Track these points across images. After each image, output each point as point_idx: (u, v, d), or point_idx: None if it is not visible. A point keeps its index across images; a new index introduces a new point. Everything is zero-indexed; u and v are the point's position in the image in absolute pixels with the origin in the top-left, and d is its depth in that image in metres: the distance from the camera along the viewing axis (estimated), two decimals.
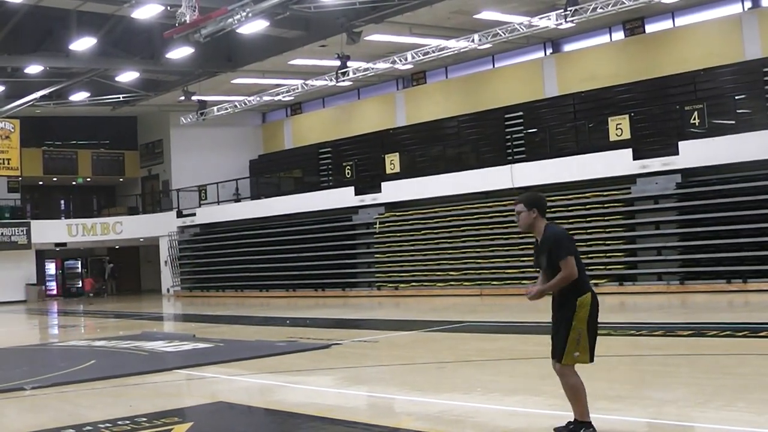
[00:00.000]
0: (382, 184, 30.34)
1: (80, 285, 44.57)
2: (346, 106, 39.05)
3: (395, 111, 36.45)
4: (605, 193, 24.56)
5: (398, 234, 29.43)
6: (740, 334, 12.75)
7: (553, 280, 6.25)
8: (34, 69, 30.26)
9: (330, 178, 37.06)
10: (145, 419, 8.03)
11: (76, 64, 30.01)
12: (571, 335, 6.19)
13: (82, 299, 39.13)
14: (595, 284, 23.10)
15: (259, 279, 33.97)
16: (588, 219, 24.60)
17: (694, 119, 23.02)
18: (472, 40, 25.95)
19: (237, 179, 38.67)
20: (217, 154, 41.06)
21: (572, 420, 6.41)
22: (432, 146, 32.52)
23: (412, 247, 28.62)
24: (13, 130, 37.87)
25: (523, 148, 29.29)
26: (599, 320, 6.38)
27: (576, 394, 6.28)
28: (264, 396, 9.76)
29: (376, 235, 30.12)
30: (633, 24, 28.68)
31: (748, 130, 22.38)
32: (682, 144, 22.89)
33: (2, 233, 38.05)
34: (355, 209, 31.27)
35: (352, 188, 31.39)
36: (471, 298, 24.49)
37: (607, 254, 24.03)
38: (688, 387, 8.73)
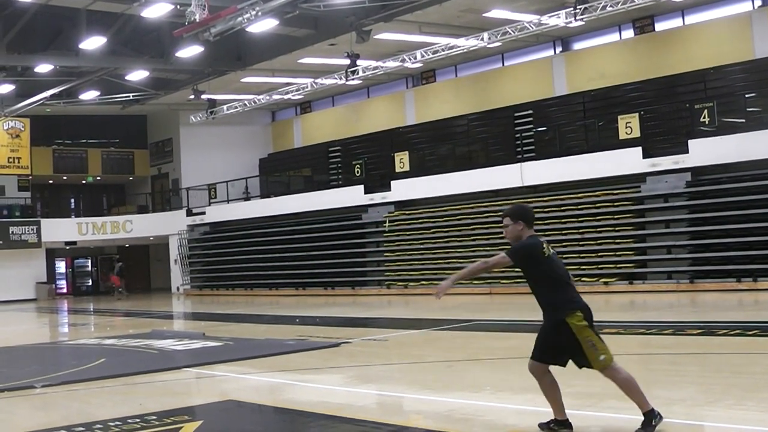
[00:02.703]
0: (392, 182, 30.35)
1: (90, 283, 44.75)
2: (355, 105, 39.06)
3: (405, 109, 36.43)
4: (615, 192, 24.51)
5: (408, 232, 29.41)
6: (750, 333, 12.71)
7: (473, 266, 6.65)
8: (44, 68, 30.33)
9: (339, 176, 37.06)
10: (154, 417, 8.04)
11: (86, 63, 30.06)
12: (584, 346, 6.33)
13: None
14: (605, 283, 23.21)
15: (268, 277, 33.99)
16: (598, 218, 24.55)
17: (704, 117, 22.93)
18: (482, 39, 25.92)
19: (246, 178, 38.71)
20: (226, 152, 41.11)
21: (554, 419, 6.51)
22: (441, 145, 32.51)
23: (422, 246, 28.60)
24: (23, 129, 38.02)
25: (532, 147, 29.25)
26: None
27: (629, 386, 6.38)
28: (273, 394, 9.77)
29: (385, 234, 30.13)
30: (643, 22, 28.61)
31: (758, 128, 22.29)
32: (692, 142, 22.83)
33: (12, 232, 38.18)
34: (364, 208, 31.28)
35: (362, 187, 31.40)
36: (480, 297, 24.47)
37: (617, 253, 23.97)
38: (698, 386, 8.71)
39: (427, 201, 29.44)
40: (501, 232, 24.39)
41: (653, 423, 6.28)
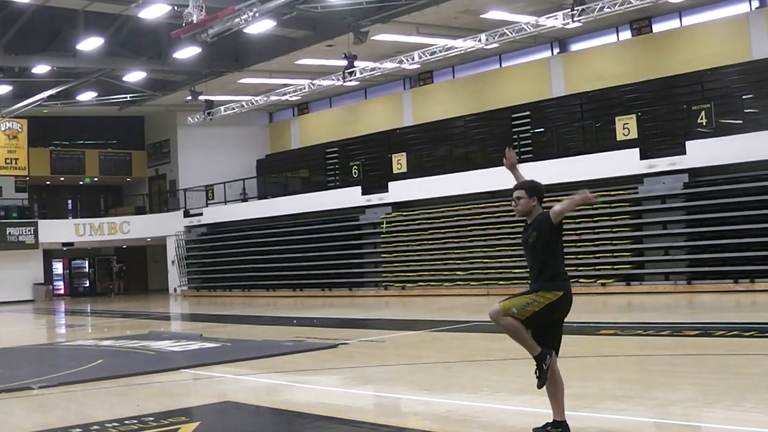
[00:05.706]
0: (389, 183, 30.34)
1: (87, 285, 44.70)
2: (352, 106, 39.06)
3: (402, 111, 36.43)
4: (612, 193, 24.49)
5: (405, 234, 29.41)
6: (748, 334, 12.71)
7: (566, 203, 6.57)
8: (41, 69, 30.31)
9: (337, 177, 37.04)
10: (152, 419, 8.04)
11: (84, 64, 30.04)
12: (526, 298, 6.36)
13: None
14: (603, 284, 23.22)
15: (266, 278, 33.98)
16: (595, 219, 24.55)
17: (702, 119, 22.95)
18: (479, 40, 25.93)
19: (244, 179, 38.71)
20: (224, 153, 41.09)
21: (551, 421, 6.48)
22: (439, 146, 32.51)
23: (419, 247, 28.60)
24: (20, 130, 37.96)
25: (530, 148, 29.25)
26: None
27: (516, 332, 6.35)
28: (271, 396, 9.76)
29: (383, 235, 30.11)
30: (640, 23, 28.62)
31: (755, 129, 22.29)
32: (689, 144, 22.84)
33: (10, 233, 38.13)
34: (362, 209, 31.26)
35: (359, 188, 31.39)
36: (478, 298, 24.46)
37: (614, 254, 23.98)
38: (696, 387, 8.71)
39: (424, 202, 29.43)
40: (499, 233, 24.37)
41: (544, 366, 6.30)
